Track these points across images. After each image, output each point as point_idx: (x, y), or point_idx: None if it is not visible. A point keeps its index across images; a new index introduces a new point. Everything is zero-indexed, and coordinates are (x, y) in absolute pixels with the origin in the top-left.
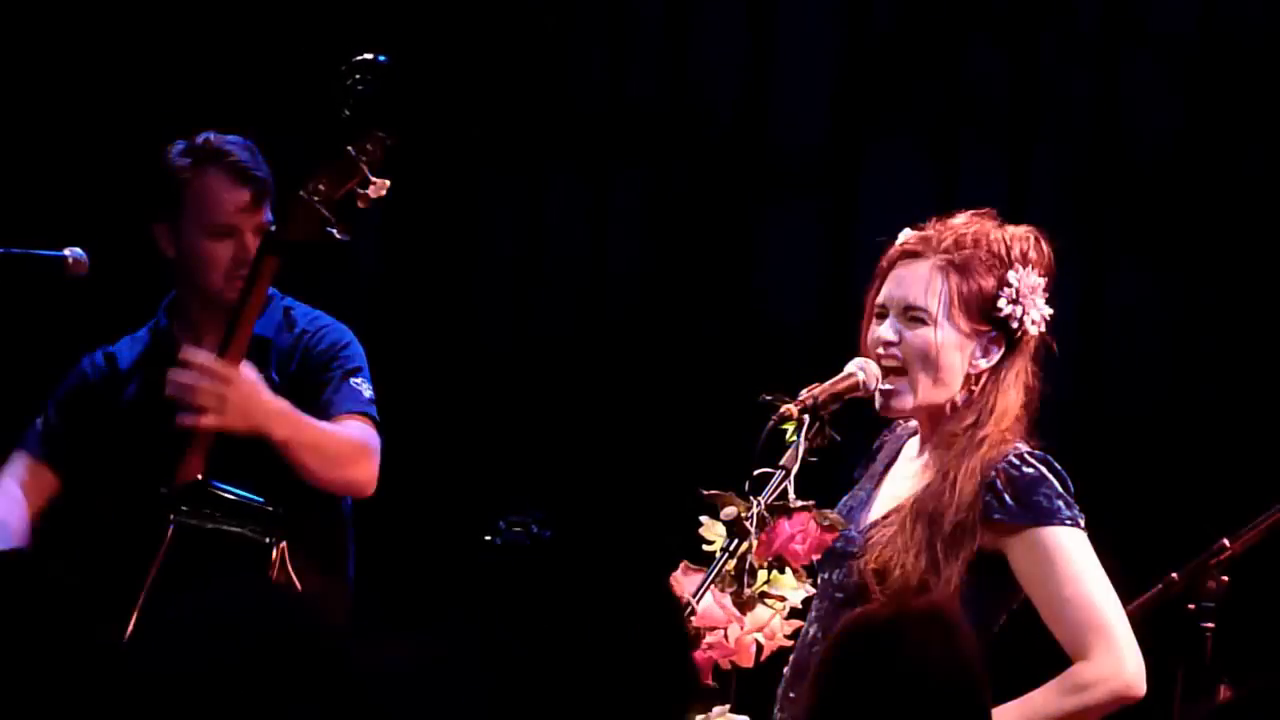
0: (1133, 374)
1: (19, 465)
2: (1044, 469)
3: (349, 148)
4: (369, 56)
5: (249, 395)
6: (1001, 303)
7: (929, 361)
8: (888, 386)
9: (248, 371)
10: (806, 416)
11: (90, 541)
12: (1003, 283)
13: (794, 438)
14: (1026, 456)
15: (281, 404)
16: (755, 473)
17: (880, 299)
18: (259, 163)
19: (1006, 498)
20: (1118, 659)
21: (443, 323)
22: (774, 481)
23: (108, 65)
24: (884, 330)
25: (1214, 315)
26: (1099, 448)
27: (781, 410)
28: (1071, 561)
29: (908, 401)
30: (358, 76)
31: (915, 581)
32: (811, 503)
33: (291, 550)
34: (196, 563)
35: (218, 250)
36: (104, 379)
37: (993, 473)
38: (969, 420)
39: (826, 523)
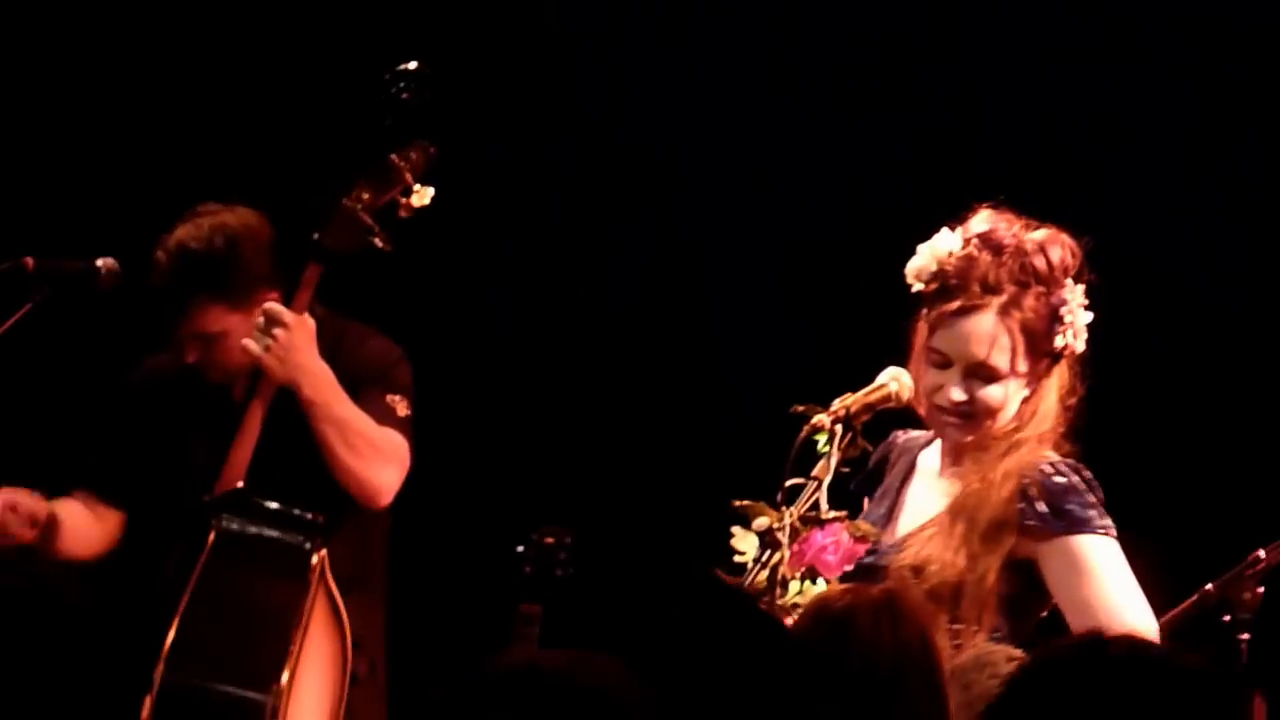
0: (1171, 383)
1: (85, 499)
2: (1076, 477)
3: (392, 156)
4: (412, 65)
5: (295, 345)
6: (1057, 338)
7: (1000, 410)
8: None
9: (306, 324)
10: (839, 427)
11: (132, 548)
12: (1055, 316)
13: (825, 448)
14: (1059, 465)
15: (322, 367)
16: (787, 483)
17: (941, 346)
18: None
19: (1040, 505)
20: None
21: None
22: (806, 492)
23: (146, 71)
24: (955, 392)
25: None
26: (1135, 457)
27: (813, 421)
28: (1101, 570)
29: (968, 437)
30: (401, 85)
31: (951, 577)
32: (844, 513)
33: (329, 560)
34: (237, 569)
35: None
36: (149, 389)
37: (1026, 480)
38: (1010, 426)
39: (859, 534)
